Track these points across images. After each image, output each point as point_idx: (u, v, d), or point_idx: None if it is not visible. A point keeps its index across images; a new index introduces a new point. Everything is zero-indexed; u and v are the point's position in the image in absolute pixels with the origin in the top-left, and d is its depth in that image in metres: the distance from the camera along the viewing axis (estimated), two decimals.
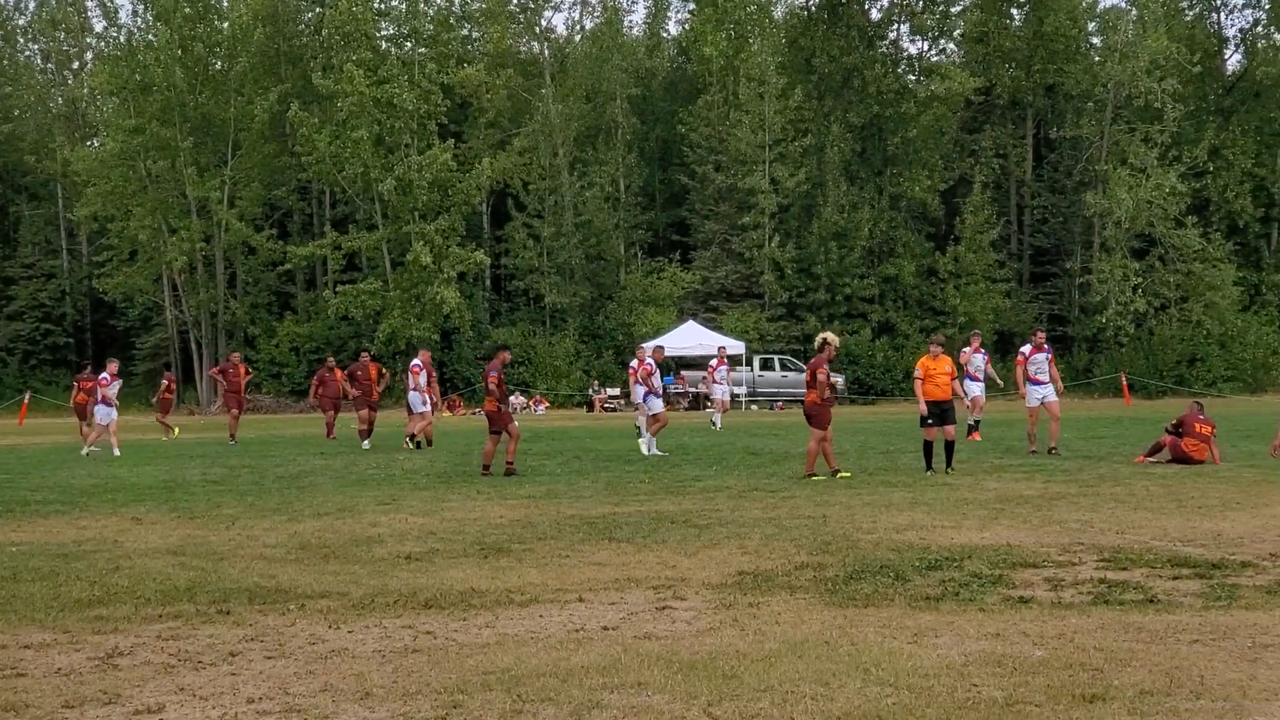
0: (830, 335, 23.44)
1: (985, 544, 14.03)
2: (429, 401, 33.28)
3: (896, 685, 8.11)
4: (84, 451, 33.07)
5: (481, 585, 12.19)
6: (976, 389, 32.99)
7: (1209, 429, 24.70)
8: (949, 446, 23.40)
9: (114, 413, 33.88)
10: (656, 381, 30.64)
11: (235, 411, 38.11)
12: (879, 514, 17.07)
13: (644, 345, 34.25)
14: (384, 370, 35.64)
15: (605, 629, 10.17)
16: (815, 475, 22.42)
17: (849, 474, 22.68)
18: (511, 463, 24.52)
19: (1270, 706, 7.56)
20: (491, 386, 25.10)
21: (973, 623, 10.10)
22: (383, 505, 19.35)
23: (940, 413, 23.36)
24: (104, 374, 33.93)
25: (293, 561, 13.99)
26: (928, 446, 23.35)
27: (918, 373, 23.78)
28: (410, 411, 33.75)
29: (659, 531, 15.80)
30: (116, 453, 32.83)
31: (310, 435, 40.18)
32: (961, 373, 30.36)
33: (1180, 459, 24.34)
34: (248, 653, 9.56)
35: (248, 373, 42.15)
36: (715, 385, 42.76)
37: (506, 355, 25.77)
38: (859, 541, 14.47)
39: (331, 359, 39.68)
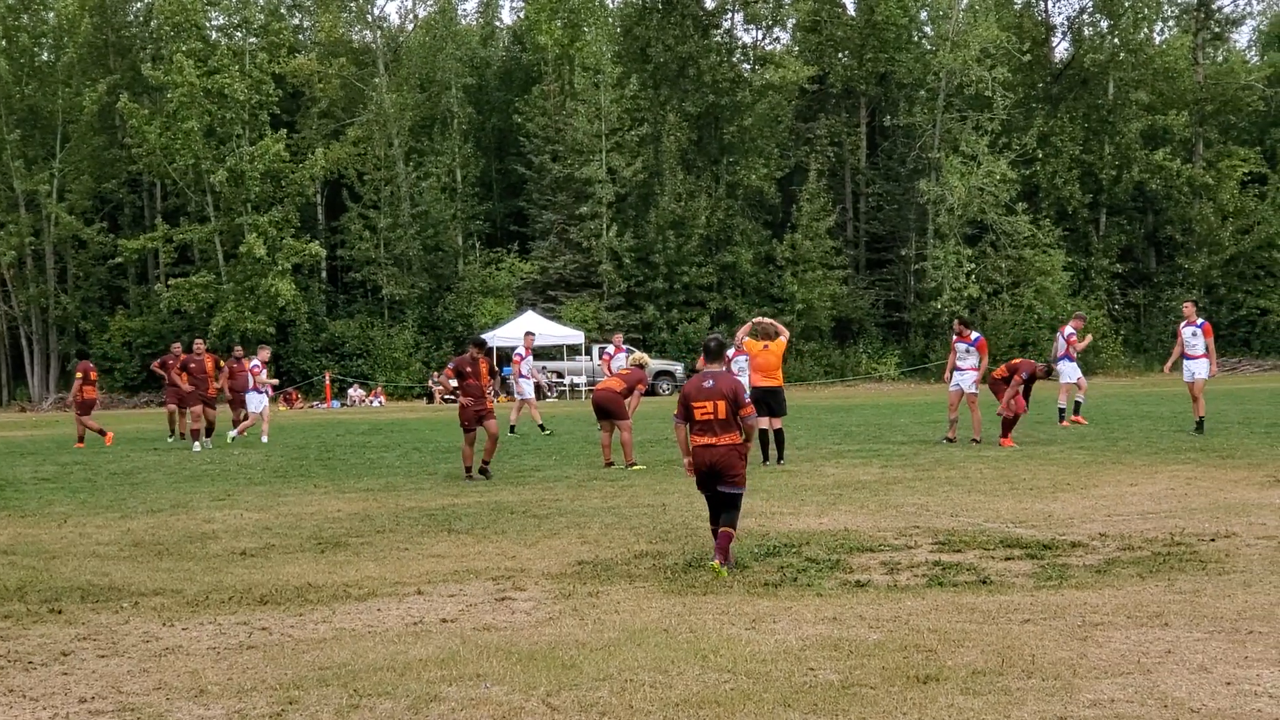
0: (648, 359, 25.20)
1: (823, 529, 14.16)
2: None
3: (734, 671, 8.16)
4: (230, 436, 32.49)
5: (318, 580, 12.10)
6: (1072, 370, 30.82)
7: (1017, 377, 25.12)
8: (777, 438, 22.76)
9: (265, 400, 33.63)
10: (617, 365, 31.00)
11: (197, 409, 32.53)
12: None
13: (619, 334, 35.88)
14: (221, 362, 34.57)
15: (444, 621, 10.14)
16: (636, 465, 22.45)
17: (643, 466, 22.61)
18: (486, 463, 22.14)
19: (1100, 684, 7.69)
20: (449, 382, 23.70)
21: (810, 607, 10.20)
22: (217, 501, 19.11)
23: (760, 400, 21.67)
24: (255, 361, 33.27)
25: (126, 559, 13.79)
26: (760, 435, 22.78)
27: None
28: (516, 397, 34.89)
29: (498, 522, 15.78)
30: (265, 440, 32.80)
31: (147, 431, 39.52)
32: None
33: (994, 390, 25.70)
34: (80, 652, 9.41)
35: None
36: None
37: (473, 350, 22.53)
38: (698, 529, 14.52)
39: (239, 348, 37.31)
